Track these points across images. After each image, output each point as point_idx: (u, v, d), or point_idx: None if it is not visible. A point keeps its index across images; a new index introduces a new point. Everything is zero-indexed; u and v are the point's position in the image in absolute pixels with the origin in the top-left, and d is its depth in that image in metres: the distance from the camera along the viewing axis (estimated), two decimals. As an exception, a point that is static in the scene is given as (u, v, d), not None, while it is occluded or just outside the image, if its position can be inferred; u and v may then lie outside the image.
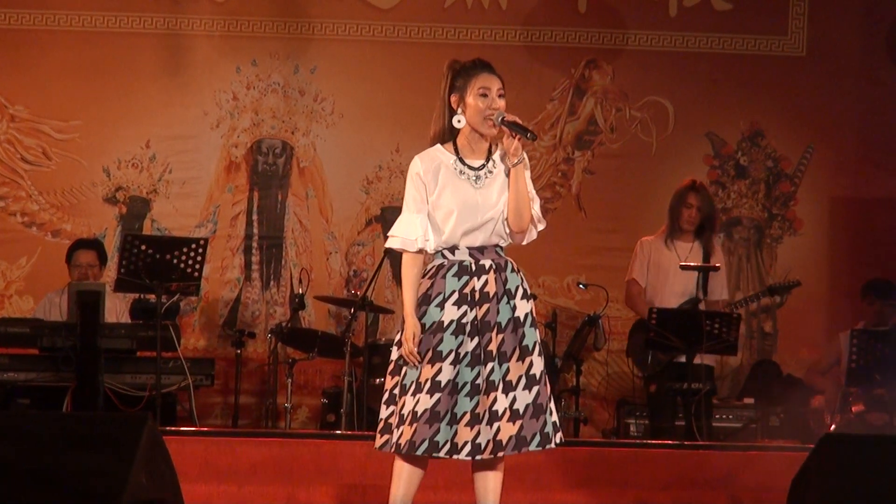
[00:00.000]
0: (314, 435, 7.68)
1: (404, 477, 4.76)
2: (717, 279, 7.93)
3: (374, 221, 9.38)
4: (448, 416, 4.65)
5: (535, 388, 4.72)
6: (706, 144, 9.57)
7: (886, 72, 9.52)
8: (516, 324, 4.76)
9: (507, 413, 4.67)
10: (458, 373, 4.68)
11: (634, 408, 8.42)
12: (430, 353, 4.69)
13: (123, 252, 7.43)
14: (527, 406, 4.70)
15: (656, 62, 9.51)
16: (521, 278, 4.83)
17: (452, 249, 4.79)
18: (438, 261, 4.80)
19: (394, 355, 4.79)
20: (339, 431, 7.78)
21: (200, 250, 7.45)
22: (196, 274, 7.44)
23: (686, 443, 7.15)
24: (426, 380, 4.66)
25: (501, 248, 4.84)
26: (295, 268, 9.24)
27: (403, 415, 4.67)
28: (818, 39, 9.54)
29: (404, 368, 4.72)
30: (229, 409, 8.82)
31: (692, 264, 7.78)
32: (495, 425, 4.66)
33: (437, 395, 4.64)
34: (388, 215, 9.31)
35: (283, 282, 9.33)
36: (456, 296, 4.73)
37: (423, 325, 4.72)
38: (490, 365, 4.70)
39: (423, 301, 4.74)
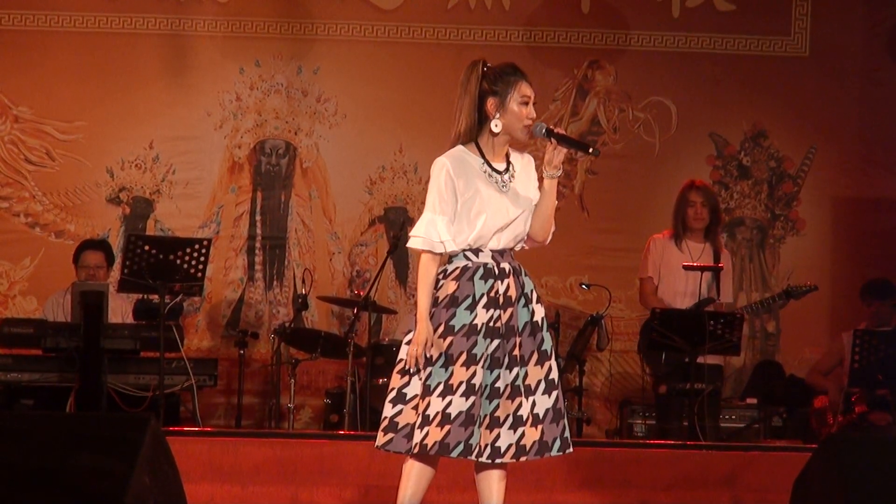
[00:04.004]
0: (317, 435, 7.69)
1: (414, 477, 4.70)
2: (726, 281, 7.91)
3: (378, 222, 9.38)
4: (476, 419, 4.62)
5: (555, 393, 4.72)
6: (709, 145, 9.56)
7: (889, 72, 9.51)
8: (534, 328, 4.73)
9: (530, 418, 4.65)
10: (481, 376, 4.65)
11: (638, 408, 8.41)
12: (463, 356, 4.61)
13: (127, 252, 7.43)
14: (547, 410, 4.69)
15: (659, 63, 9.50)
16: (532, 282, 4.81)
17: (476, 252, 4.72)
18: (461, 262, 4.72)
19: (402, 354, 4.71)
20: (342, 432, 7.79)
21: (204, 251, 7.45)
22: (199, 274, 7.44)
23: (689, 443, 7.13)
24: (460, 382, 4.59)
25: (513, 251, 4.81)
26: (298, 268, 9.24)
27: (429, 416, 4.59)
28: (821, 40, 9.54)
29: (429, 368, 4.62)
30: (232, 409, 8.82)
31: (696, 265, 7.77)
32: (519, 430, 4.64)
33: (472, 399, 4.58)
34: (392, 216, 9.32)
35: (286, 282, 9.33)
36: (485, 299, 4.66)
37: (451, 328, 4.63)
38: (514, 370, 4.66)
39: (451, 303, 4.66)
